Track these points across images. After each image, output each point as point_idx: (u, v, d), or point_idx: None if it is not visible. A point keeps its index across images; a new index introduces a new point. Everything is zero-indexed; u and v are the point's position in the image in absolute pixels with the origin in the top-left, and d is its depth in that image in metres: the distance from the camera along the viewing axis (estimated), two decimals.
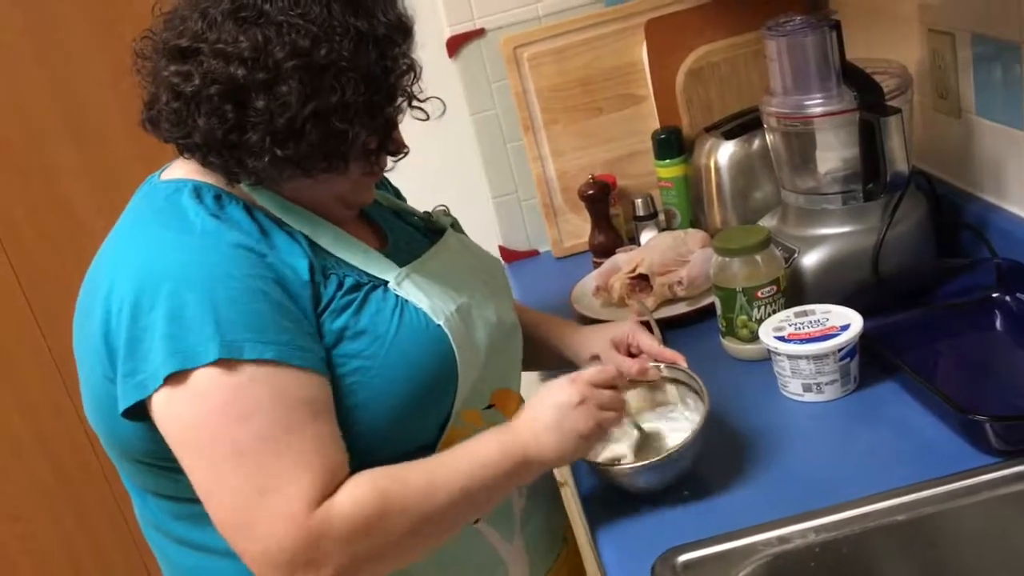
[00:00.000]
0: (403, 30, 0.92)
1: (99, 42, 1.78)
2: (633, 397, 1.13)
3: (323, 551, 0.81)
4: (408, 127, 1.91)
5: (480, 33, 1.68)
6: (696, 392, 1.09)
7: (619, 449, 1.07)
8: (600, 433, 0.98)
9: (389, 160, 0.99)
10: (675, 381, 1.12)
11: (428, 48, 1.77)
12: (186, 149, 0.91)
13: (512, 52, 1.66)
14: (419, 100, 0.96)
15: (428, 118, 1.00)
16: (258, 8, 0.85)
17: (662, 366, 1.13)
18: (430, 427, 0.95)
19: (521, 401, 1.09)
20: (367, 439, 0.89)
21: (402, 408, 0.91)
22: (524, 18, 1.67)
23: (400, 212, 1.11)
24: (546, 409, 0.95)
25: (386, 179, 1.18)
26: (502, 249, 1.80)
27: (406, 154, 0.99)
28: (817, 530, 0.93)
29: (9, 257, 1.92)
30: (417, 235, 1.08)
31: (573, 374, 0.99)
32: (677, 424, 1.10)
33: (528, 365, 1.17)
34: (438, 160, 1.75)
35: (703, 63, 1.63)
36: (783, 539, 0.93)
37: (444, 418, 0.95)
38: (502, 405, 1.04)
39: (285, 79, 0.84)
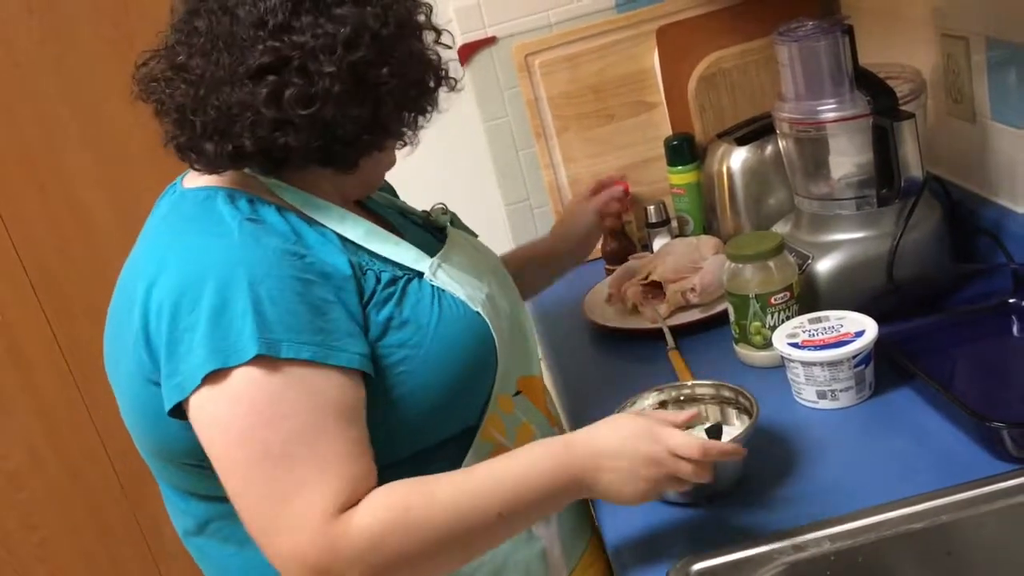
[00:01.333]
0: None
1: (117, 52, 1.80)
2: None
3: (340, 561, 0.81)
4: (422, 136, 1.92)
5: (491, 41, 1.68)
6: (737, 407, 1.09)
7: None
8: (655, 496, 0.92)
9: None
10: (715, 398, 1.10)
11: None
12: (322, 153, 0.92)
13: (523, 60, 1.66)
14: (440, 30, 1.01)
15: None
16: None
17: (695, 383, 1.12)
18: (472, 410, 0.96)
19: (544, 388, 1.10)
20: (415, 425, 0.91)
21: (448, 394, 0.92)
22: (535, 26, 1.68)
23: (402, 211, 1.13)
24: (623, 454, 0.88)
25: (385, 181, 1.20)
26: None
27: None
28: (832, 538, 0.93)
29: (25, 267, 1.93)
30: (424, 232, 1.09)
31: (662, 428, 0.90)
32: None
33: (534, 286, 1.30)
34: (451, 167, 1.75)
35: (715, 69, 1.62)
36: (798, 547, 0.93)
37: (485, 400, 0.96)
38: (529, 392, 1.05)
39: (390, 45, 0.90)
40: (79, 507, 2.11)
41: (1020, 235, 1.25)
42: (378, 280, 0.92)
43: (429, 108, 0.99)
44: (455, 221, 1.15)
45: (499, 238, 1.76)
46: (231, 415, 0.83)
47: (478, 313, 0.96)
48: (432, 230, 1.11)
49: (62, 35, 1.80)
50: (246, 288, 0.83)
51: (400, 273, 0.94)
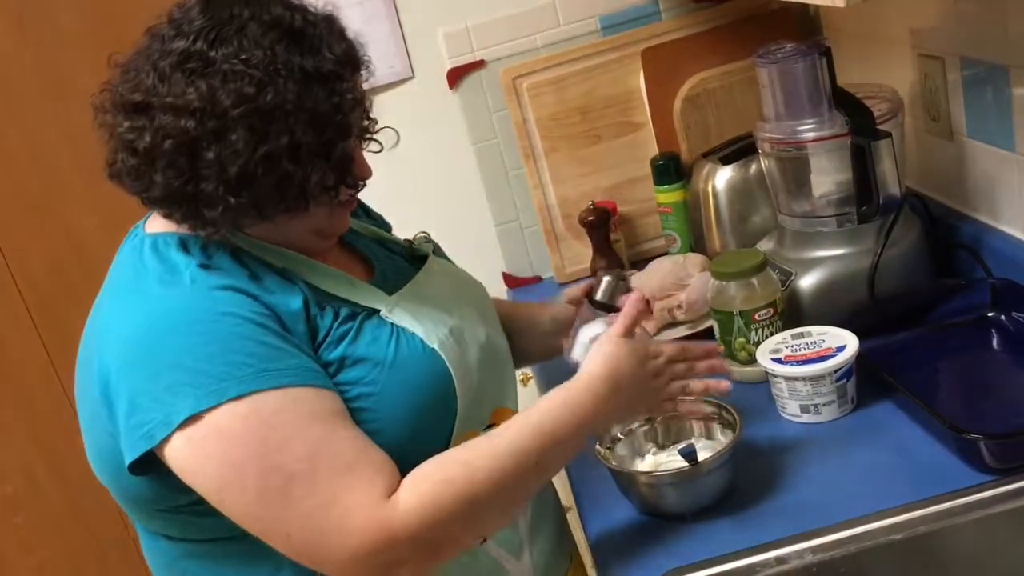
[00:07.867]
0: (351, 63, 0.92)
1: (109, 76, 1.82)
2: (655, 431, 1.14)
3: (400, 544, 0.83)
4: (413, 158, 1.93)
5: (480, 64, 1.71)
6: (721, 422, 1.10)
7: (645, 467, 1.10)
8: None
9: (350, 190, 0.98)
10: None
11: (429, 80, 1.81)
12: (149, 202, 0.92)
13: (511, 82, 1.69)
14: (371, 132, 0.96)
15: (382, 149, 1.00)
16: (204, 58, 0.86)
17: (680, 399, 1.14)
18: (432, 446, 0.96)
19: None
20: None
21: (406, 431, 0.93)
22: (523, 49, 1.70)
23: (382, 241, 1.13)
24: (624, 386, 0.97)
25: (368, 209, 1.20)
26: (506, 276, 1.82)
27: (365, 183, 0.98)
28: (814, 550, 0.94)
29: (22, 293, 1.95)
30: (402, 262, 1.10)
31: (652, 344, 1.02)
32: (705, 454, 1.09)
33: (519, 361, 1.20)
34: (441, 189, 1.78)
35: (699, 90, 1.65)
36: (781, 560, 0.94)
37: (446, 438, 0.97)
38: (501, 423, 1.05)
39: (233, 127, 0.85)
40: (77, 531, 2.11)
41: (998, 250, 1.27)
42: (336, 315, 0.92)
43: (340, 161, 0.90)
44: (437, 250, 1.16)
45: (490, 258, 1.78)
46: (234, 455, 0.83)
47: (435, 350, 0.95)
48: (411, 259, 1.11)
49: (55, 64, 1.82)
50: (202, 331, 0.84)
51: (360, 309, 0.94)
